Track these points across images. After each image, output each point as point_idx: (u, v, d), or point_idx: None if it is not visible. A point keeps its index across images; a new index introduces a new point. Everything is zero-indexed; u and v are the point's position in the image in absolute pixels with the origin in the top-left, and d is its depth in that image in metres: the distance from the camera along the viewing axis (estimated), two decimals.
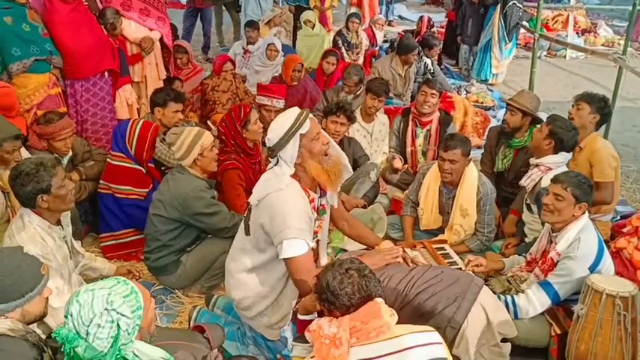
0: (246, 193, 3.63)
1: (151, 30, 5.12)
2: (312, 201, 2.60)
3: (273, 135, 2.51)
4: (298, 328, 2.37)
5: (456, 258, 3.33)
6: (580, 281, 2.69)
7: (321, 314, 2.14)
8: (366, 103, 4.71)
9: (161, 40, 5.28)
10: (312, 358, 1.98)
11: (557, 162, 3.48)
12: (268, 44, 6.59)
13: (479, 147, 5.13)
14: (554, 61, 10.13)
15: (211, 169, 3.40)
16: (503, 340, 2.62)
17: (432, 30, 8.46)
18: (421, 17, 8.63)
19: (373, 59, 7.63)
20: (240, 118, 3.76)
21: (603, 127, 4.38)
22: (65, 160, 3.68)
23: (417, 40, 7.03)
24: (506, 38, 7.88)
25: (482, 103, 6.88)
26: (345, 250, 3.69)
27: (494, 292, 2.80)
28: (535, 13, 8.36)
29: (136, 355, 1.77)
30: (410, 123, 4.61)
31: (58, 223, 2.75)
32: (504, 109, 4.46)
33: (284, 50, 6.75)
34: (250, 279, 2.70)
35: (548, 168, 3.47)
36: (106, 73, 4.48)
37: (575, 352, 2.59)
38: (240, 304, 2.76)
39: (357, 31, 7.70)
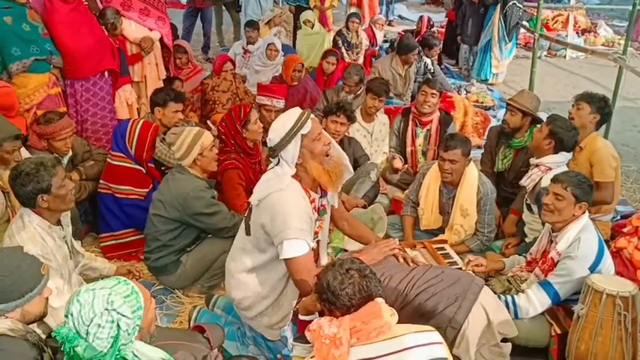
0: (246, 192, 3.63)
1: (150, 30, 5.12)
2: (312, 201, 2.60)
3: (275, 135, 2.50)
4: (299, 329, 2.37)
5: (456, 258, 3.33)
6: (580, 281, 2.69)
7: (321, 314, 2.14)
8: (366, 103, 4.71)
9: (161, 40, 5.28)
10: (312, 357, 1.98)
11: (558, 162, 3.48)
12: (268, 44, 6.59)
13: (479, 147, 5.13)
14: (555, 61, 10.13)
15: (211, 169, 3.40)
16: (504, 340, 2.62)
17: (432, 30, 8.45)
18: (421, 17, 8.63)
19: (373, 59, 7.63)
20: (240, 117, 3.76)
21: (603, 127, 4.38)
22: (65, 160, 3.68)
23: (417, 39, 7.03)
24: (507, 38, 7.88)
25: (482, 103, 6.88)
26: (346, 250, 3.68)
27: (495, 292, 2.80)
28: (535, 13, 8.36)
29: (136, 356, 1.77)
30: (410, 123, 4.61)
31: (58, 223, 2.75)
32: (504, 109, 4.47)
33: (284, 50, 6.76)
34: (251, 279, 2.70)
35: (549, 168, 3.47)
36: (106, 73, 4.48)
37: (576, 352, 2.59)
38: (241, 304, 2.76)
39: (357, 30, 7.70)
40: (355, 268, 1.95)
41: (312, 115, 2.57)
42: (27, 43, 3.87)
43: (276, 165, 2.57)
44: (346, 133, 4.26)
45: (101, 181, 3.75)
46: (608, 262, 2.81)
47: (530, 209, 3.60)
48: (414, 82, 6.36)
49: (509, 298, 2.83)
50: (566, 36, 10.45)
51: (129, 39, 4.99)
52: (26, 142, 3.54)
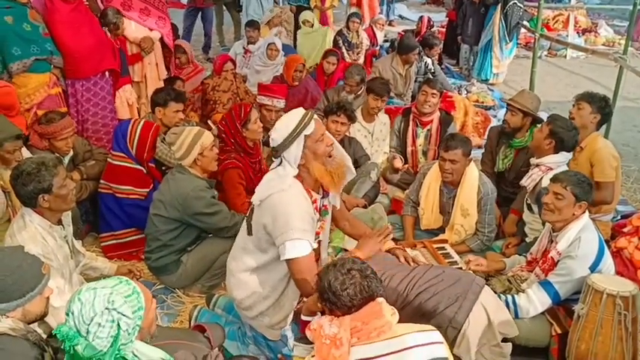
0: (246, 192, 3.64)
1: (151, 30, 5.13)
2: (314, 202, 2.59)
3: (278, 135, 2.48)
4: (301, 329, 2.37)
5: (456, 258, 3.33)
6: (580, 281, 2.69)
7: (322, 312, 2.14)
8: (368, 103, 4.70)
9: (162, 39, 5.28)
10: (312, 357, 1.99)
11: (558, 162, 3.48)
12: (269, 44, 6.59)
13: (479, 147, 5.12)
14: (555, 61, 10.12)
15: (211, 169, 3.40)
16: (504, 340, 2.62)
17: (433, 30, 8.46)
18: (421, 17, 8.64)
19: (374, 59, 7.64)
20: (240, 117, 3.76)
21: (604, 126, 4.38)
22: (66, 160, 3.69)
23: (417, 39, 7.03)
24: (507, 38, 7.87)
25: (482, 102, 6.87)
26: (346, 250, 3.69)
27: (495, 292, 2.80)
28: (536, 13, 8.35)
29: (136, 356, 1.77)
30: (410, 123, 4.61)
31: (59, 222, 2.75)
32: (505, 109, 4.46)
33: (285, 50, 6.76)
34: (252, 279, 2.70)
35: (549, 168, 3.47)
36: (107, 73, 4.48)
37: (576, 351, 2.59)
38: (241, 303, 2.76)
39: (358, 30, 7.70)
40: (357, 269, 1.95)
41: (315, 116, 2.56)
42: (27, 42, 3.87)
43: (279, 165, 2.56)
44: (347, 133, 4.26)
45: (102, 181, 3.76)
46: (608, 261, 2.81)
47: (530, 209, 3.60)
48: (415, 81, 6.36)
49: (509, 297, 2.83)
50: (567, 36, 10.45)
51: (129, 39, 5.00)
52: (27, 141, 3.54)
